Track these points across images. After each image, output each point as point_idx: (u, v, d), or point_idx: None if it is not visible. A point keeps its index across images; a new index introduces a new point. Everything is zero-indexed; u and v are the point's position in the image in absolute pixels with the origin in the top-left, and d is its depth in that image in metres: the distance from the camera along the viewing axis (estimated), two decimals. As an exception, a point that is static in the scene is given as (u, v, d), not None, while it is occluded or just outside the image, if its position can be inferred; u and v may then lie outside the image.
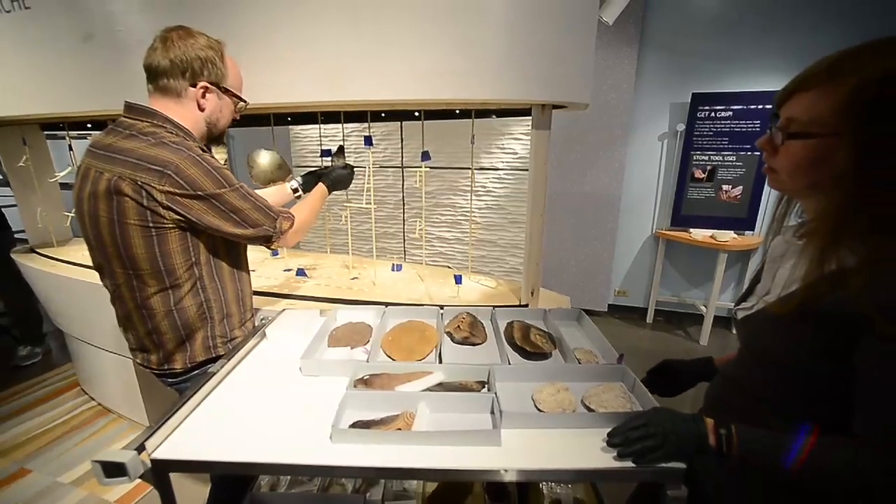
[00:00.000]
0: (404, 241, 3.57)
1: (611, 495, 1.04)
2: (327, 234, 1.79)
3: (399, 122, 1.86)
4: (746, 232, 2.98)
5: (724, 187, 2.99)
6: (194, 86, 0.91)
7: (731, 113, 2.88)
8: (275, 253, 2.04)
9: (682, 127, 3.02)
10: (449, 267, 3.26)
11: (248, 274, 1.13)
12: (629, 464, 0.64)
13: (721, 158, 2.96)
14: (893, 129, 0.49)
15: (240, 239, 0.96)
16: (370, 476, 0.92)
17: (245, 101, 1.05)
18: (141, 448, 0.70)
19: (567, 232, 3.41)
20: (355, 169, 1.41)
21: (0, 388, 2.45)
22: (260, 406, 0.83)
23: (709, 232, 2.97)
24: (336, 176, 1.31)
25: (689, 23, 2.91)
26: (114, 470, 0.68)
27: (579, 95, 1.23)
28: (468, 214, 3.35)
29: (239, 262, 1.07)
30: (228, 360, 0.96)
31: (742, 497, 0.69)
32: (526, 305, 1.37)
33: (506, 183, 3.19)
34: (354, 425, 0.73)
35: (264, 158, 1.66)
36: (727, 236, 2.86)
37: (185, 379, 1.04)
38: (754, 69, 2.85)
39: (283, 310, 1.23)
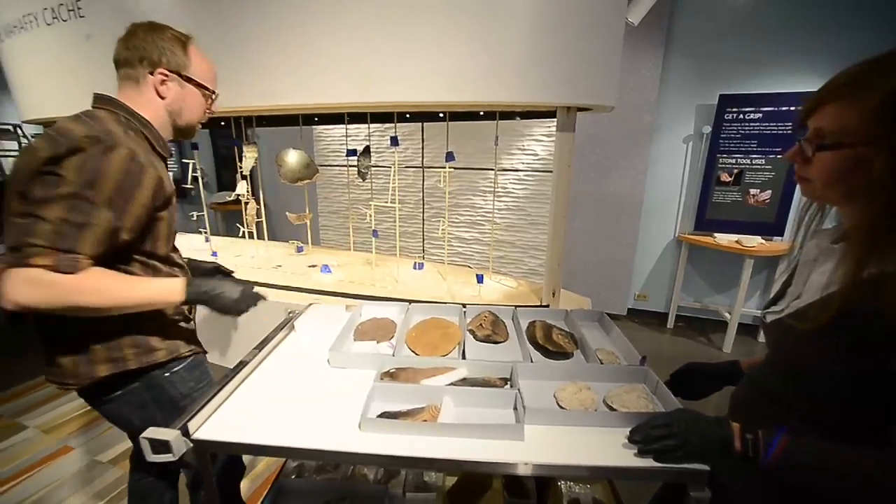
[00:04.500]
0: (423, 240, 3.61)
1: (630, 497, 1.05)
2: (351, 232, 1.84)
3: (420, 123, 1.89)
4: (775, 237, 2.90)
5: (752, 191, 2.91)
6: (153, 73, 0.89)
7: (760, 115, 2.80)
8: (300, 249, 2.11)
9: (708, 129, 2.96)
10: (469, 266, 3.28)
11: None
12: (651, 462, 0.65)
13: (749, 162, 2.89)
14: None
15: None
16: (397, 465, 0.94)
17: (213, 92, 0.98)
18: (184, 429, 0.75)
19: (587, 234, 3.38)
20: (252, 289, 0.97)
21: (25, 379, 2.58)
22: (290, 394, 0.86)
23: (734, 237, 2.90)
24: (224, 293, 0.90)
25: (718, 23, 2.84)
26: (160, 447, 0.73)
27: (605, 98, 1.23)
28: (487, 215, 3.36)
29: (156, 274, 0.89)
30: (260, 350, 1.01)
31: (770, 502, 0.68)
32: (547, 306, 1.38)
33: (526, 184, 3.20)
34: (382, 416, 0.76)
35: (292, 157, 1.72)
36: (754, 241, 2.79)
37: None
38: (785, 70, 2.76)
39: (310, 304, 1.28)
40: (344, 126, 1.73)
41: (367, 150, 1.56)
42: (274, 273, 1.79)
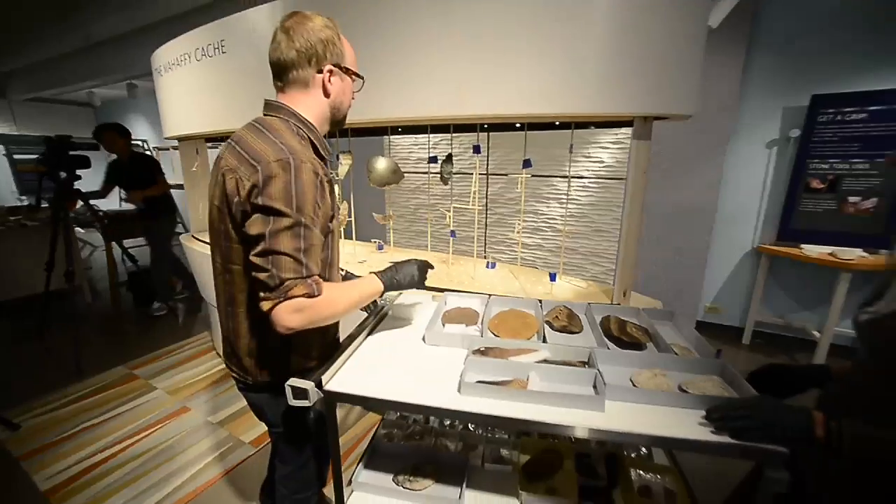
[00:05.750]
0: (486, 244, 3.75)
1: (704, 493, 1.08)
2: (429, 233, 2.02)
3: (487, 133, 2.03)
4: (882, 250, 2.61)
5: (851, 199, 2.66)
6: (320, 72, 0.88)
7: (865, 115, 2.57)
8: (380, 247, 2.34)
9: (796, 133, 2.77)
10: (536, 268, 3.35)
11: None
12: (727, 439, 0.71)
13: (848, 166, 2.66)
14: None
15: (250, 272, 0.82)
16: (492, 424, 1.02)
17: (363, 78, 0.97)
18: (318, 382, 0.93)
19: (655, 243, 3.29)
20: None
21: (158, 347, 3.10)
22: (395, 363, 1.02)
23: (828, 248, 2.67)
24: (407, 279, 1.05)
25: (809, 19, 2.66)
26: (300, 393, 0.91)
27: (684, 107, 1.28)
28: (550, 221, 3.42)
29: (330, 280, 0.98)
30: (363, 327, 1.19)
31: (848, 491, 0.71)
32: (618, 305, 1.44)
33: (590, 191, 3.21)
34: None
35: (381, 164, 1.94)
36: (852, 254, 2.55)
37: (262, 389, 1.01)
38: (893, 64, 2.51)
39: (400, 293, 1.45)
40: (413, 136, 1.92)
41: (449, 158, 1.72)
42: (359, 267, 2.01)
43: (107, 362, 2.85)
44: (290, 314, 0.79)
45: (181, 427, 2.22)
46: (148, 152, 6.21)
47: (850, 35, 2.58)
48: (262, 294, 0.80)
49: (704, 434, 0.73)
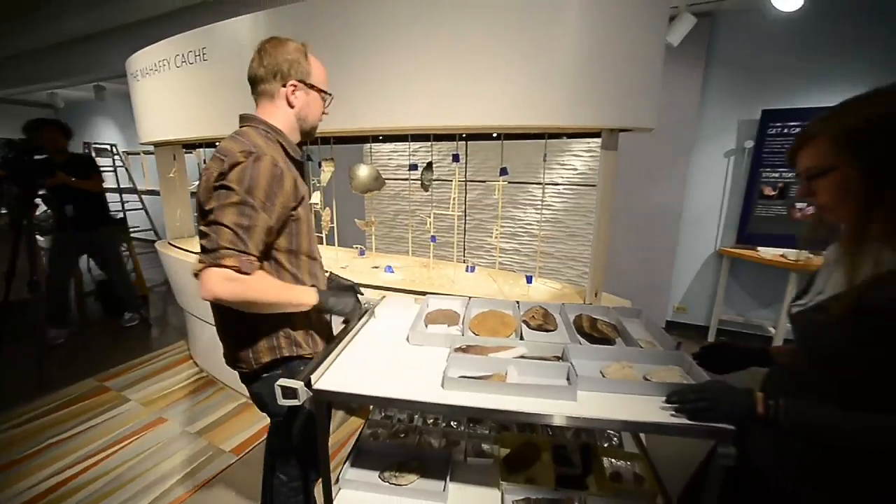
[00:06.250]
0: (465, 249, 3.83)
1: (669, 477, 1.17)
2: (410, 239, 2.08)
3: (465, 142, 2.11)
4: (825, 252, 2.85)
5: (798, 205, 2.90)
6: (285, 86, 1.00)
7: (808, 129, 2.82)
8: (361, 253, 2.37)
9: (750, 144, 3.00)
10: (514, 271, 3.45)
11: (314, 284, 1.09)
12: (684, 421, 0.79)
13: (794, 175, 2.90)
14: (878, 152, 0.65)
15: (200, 240, 0.90)
16: (474, 415, 1.08)
17: (330, 95, 1.10)
18: (307, 381, 0.96)
19: (625, 246, 3.46)
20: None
21: (131, 358, 3.01)
22: (380, 363, 1.06)
23: (779, 250, 2.89)
24: (340, 305, 1.10)
25: (758, 41, 2.90)
26: (289, 393, 0.94)
27: (645, 121, 1.39)
28: (526, 227, 3.53)
29: (299, 267, 1.06)
30: (349, 330, 1.23)
31: (788, 460, 0.80)
32: (590, 305, 1.53)
33: (565, 198, 3.34)
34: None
35: (363, 171, 1.98)
36: (800, 255, 2.77)
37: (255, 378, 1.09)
38: (830, 84, 2.77)
39: (384, 296, 1.50)
40: (393, 143, 1.96)
41: (429, 166, 1.79)
42: (342, 273, 2.04)
43: (75, 375, 2.74)
44: (219, 281, 0.85)
45: (157, 438, 2.17)
46: (118, 157, 5.98)
47: (792, 57, 2.83)
48: (198, 257, 0.87)
49: (665, 417, 0.81)
